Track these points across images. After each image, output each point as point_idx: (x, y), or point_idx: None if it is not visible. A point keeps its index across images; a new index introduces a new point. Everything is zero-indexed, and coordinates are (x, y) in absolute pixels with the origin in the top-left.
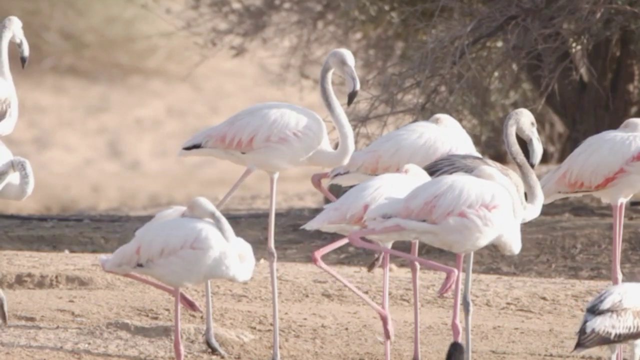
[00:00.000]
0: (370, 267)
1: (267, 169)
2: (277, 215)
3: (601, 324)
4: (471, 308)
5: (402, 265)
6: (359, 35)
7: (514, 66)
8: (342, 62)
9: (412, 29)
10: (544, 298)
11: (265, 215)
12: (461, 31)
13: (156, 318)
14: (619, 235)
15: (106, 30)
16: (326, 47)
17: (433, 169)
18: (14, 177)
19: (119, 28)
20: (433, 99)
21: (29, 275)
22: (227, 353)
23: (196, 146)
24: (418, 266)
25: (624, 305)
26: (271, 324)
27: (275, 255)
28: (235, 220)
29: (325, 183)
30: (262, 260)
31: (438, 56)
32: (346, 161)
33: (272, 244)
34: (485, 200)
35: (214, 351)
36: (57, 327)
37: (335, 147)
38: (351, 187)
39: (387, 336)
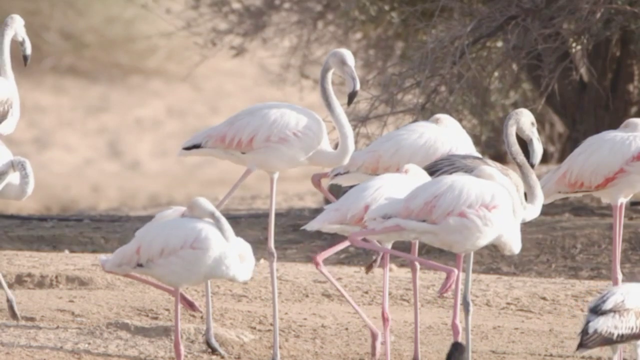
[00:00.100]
0: (368, 268)
1: (267, 169)
2: (277, 215)
3: (604, 325)
4: (471, 308)
5: (402, 265)
6: (359, 35)
7: (514, 66)
8: (342, 62)
9: (412, 29)
10: (544, 298)
11: (265, 215)
12: (461, 31)
13: (156, 318)
14: (619, 235)
15: (106, 30)
16: (326, 47)
17: (433, 169)
18: (14, 177)
19: (119, 28)
20: (433, 99)
21: (29, 275)
22: (227, 353)
23: (196, 146)
24: (418, 266)
25: (627, 306)
26: (271, 324)
27: (275, 255)
28: (235, 220)
29: (325, 183)
30: (262, 260)
31: (438, 56)
32: (346, 161)
33: (272, 244)
34: (485, 200)
35: (214, 351)
36: (57, 327)
37: (335, 147)
38: (351, 187)
39: (373, 353)
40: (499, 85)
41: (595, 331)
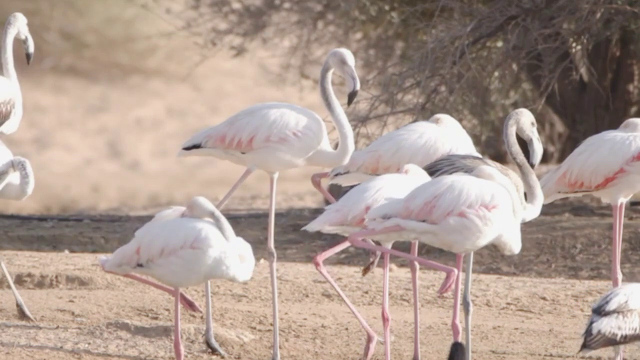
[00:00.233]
0: (365, 271)
1: (267, 169)
2: (277, 215)
3: (607, 325)
4: (471, 308)
5: (402, 265)
6: (359, 35)
7: (514, 66)
8: (342, 62)
9: (412, 29)
10: (544, 298)
11: (265, 215)
12: (461, 31)
13: (156, 318)
14: (619, 235)
15: (106, 30)
16: (326, 47)
17: (433, 169)
18: (14, 177)
19: (119, 28)
20: (433, 99)
21: (29, 275)
22: (227, 353)
23: (196, 146)
24: (418, 266)
25: (630, 306)
26: (271, 324)
27: (275, 255)
28: (235, 220)
29: (325, 183)
30: (262, 260)
31: (438, 56)
32: (346, 161)
33: (271, 244)
34: (484, 200)
35: (214, 351)
36: (57, 327)
37: (335, 147)
38: (351, 187)
39: (365, 354)
40: (499, 85)
41: (599, 332)
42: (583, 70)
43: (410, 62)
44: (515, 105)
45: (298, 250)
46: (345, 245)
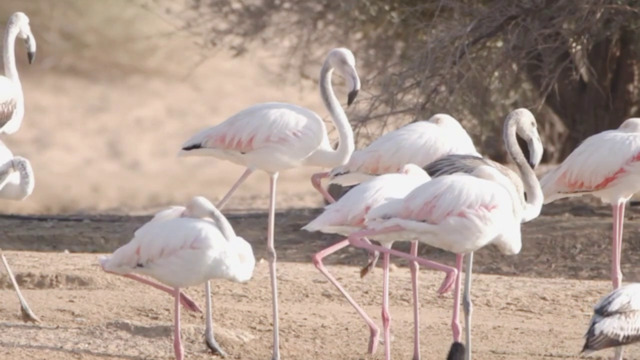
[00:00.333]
0: (363, 272)
1: (266, 169)
2: (277, 215)
3: (609, 326)
4: (471, 308)
5: (402, 265)
6: (359, 35)
7: (514, 66)
8: (342, 62)
9: (412, 29)
10: (544, 298)
11: (265, 215)
12: (461, 31)
13: (156, 318)
14: (619, 235)
15: (106, 30)
16: (326, 47)
17: (433, 169)
18: (14, 177)
19: (119, 28)
20: (433, 99)
21: (29, 275)
22: (227, 353)
23: (196, 146)
24: (417, 266)
25: (633, 307)
26: (271, 324)
27: (275, 255)
28: (235, 220)
29: (325, 183)
30: (262, 260)
31: (438, 56)
32: (346, 161)
33: (271, 244)
34: (484, 200)
35: (214, 351)
36: (57, 327)
37: (335, 147)
38: (351, 187)
39: (369, 349)
40: (499, 85)
41: (601, 332)
42: (583, 70)
43: (410, 62)
44: (515, 105)
45: (298, 250)
46: (344, 243)
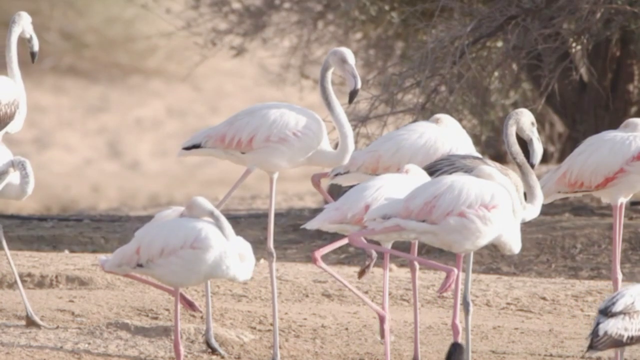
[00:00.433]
0: (361, 274)
1: (266, 169)
2: (277, 215)
3: (614, 327)
4: (471, 308)
5: (402, 265)
6: (359, 35)
7: (514, 66)
8: (343, 60)
9: (412, 29)
10: (544, 298)
11: (265, 215)
12: (461, 31)
13: (156, 318)
14: (619, 235)
15: (106, 30)
16: (326, 47)
17: (433, 169)
18: (14, 177)
19: (119, 28)
20: (433, 99)
21: (29, 275)
22: (227, 353)
23: (196, 146)
24: (417, 266)
25: (637, 308)
26: (271, 324)
27: (275, 255)
28: (235, 220)
29: (325, 183)
30: (262, 260)
31: (438, 56)
32: (346, 161)
33: (271, 243)
34: (484, 200)
35: (214, 351)
36: (57, 327)
37: (335, 147)
38: (351, 187)
39: (382, 335)
40: (499, 85)
41: (606, 333)
42: (583, 70)
43: (410, 62)
44: (515, 105)
45: (298, 250)
46: (344, 241)
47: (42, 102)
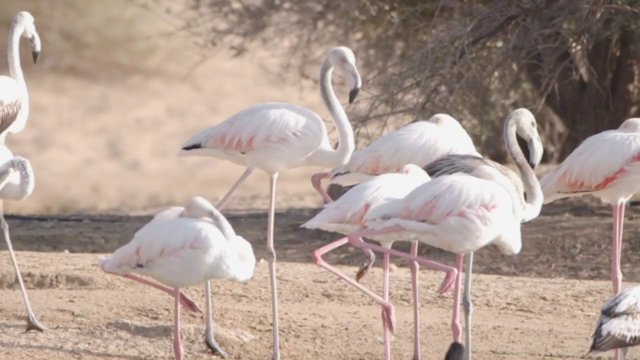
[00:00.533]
0: (359, 275)
1: (266, 169)
2: (277, 215)
3: (617, 327)
4: (471, 308)
5: (402, 265)
6: (359, 35)
7: (514, 66)
8: (343, 60)
9: (412, 29)
10: (544, 298)
11: (265, 215)
12: (461, 31)
13: (156, 318)
14: (619, 235)
15: (106, 30)
16: (326, 47)
17: (433, 169)
18: (14, 177)
19: (119, 28)
20: (433, 99)
21: (29, 275)
22: (227, 353)
23: (196, 146)
24: (417, 266)
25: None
26: (271, 324)
27: (275, 255)
28: (235, 220)
29: (326, 183)
30: (262, 260)
31: (438, 56)
32: (346, 161)
33: (271, 243)
34: (484, 200)
35: (214, 351)
36: (57, 327)
37: (335, 146)
38: (351, 187)
39: (390, 327)
40: (499, 85)
41: (609, 334)
42: (583, 70)
43: (410, 62)
44: (515, 105)
45: (298, 250)
46: (344, 240)
47: (42, 102)
